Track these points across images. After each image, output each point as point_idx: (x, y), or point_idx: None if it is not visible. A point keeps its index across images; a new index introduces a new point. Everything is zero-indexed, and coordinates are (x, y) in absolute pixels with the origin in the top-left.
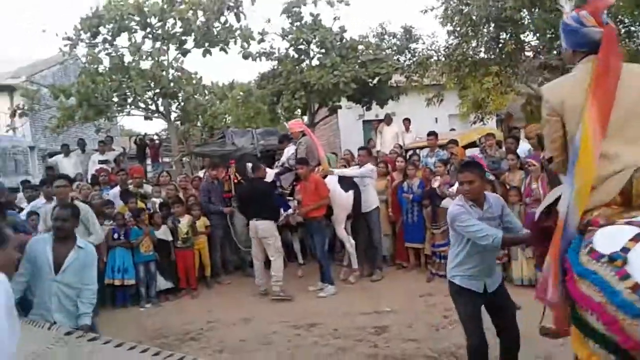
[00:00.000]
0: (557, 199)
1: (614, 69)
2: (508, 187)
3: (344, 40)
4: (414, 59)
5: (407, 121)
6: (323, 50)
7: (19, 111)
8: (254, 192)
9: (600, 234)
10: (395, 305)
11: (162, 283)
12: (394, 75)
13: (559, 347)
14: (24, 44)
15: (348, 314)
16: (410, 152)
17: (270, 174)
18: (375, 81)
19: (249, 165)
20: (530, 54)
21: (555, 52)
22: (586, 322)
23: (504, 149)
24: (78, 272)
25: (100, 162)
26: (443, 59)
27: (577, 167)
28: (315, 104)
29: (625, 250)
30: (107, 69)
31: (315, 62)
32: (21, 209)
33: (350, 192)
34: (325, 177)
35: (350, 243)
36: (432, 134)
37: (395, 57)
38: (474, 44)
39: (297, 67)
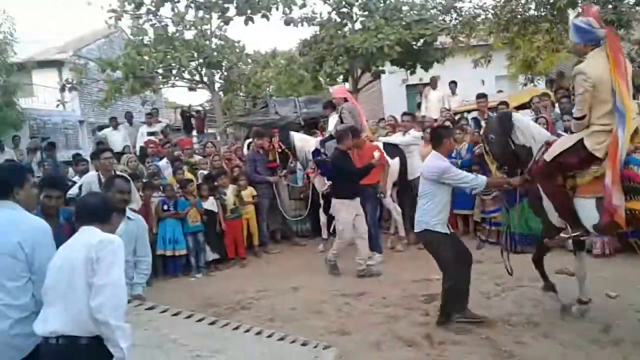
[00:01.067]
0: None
1: (620, 58)
2: None
3: (388, 2)
4: (460, 18)
5: (453, 84)
6: (366, 13)
7: (68, 86)
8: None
9: None
10: None
11: (209, 254)
12: (440, 37)
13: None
14: (69, 18)
15: (397, 282)
16: (457, 116)
17: (314, 142)
18: (420, 43)
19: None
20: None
21: (610, 6)
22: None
23: (557, 109)
24: (128, 244)
25: (149, 134)
26: (491, 17)
27: (626, 119)
28: (358, 69)
29: None
30: (151, 40)
31: (358, 25)
32: (73, 182)
33: (396, 160)
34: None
35: (397, 211)
36: (482, 97)
37: (440, 18)
38: (523, 0)
39: (339, 31)
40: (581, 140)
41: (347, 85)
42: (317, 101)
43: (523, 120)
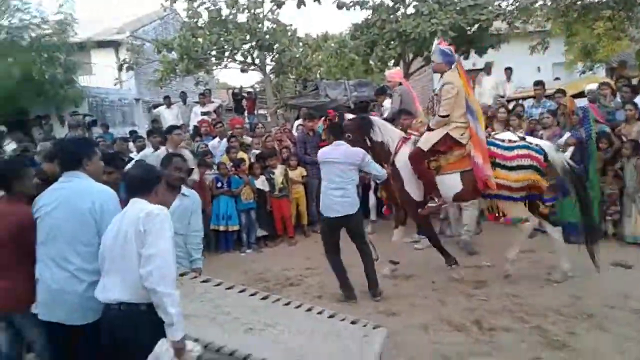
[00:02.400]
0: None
1: (467, 77)
2: (624, 139)
3: None
4: (517, 3)
5: (508, 70)
6: None
7: (125, 65)
8: None
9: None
10: (496, 260)
11: (258, 231)
12: (495, 22)
13: None
14: (126, 0)
15: (446, 267)
16: (512, 103)
17: None
18: (474, 29)
19: None
20: None
21: None
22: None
23: (618, 98)
24: (182, 219)
25: (202, 113)
26: (549, 3)
27: (477, 116)
28: (410, 53)
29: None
30: (205, 23)
31: (410, 10)
32: (131, 158)
33: None
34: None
35: None
36: (539, 84)
37: (496, 3)
38: None
39: (392, 15)
40: (447, 133)
41: (399, 70)
42: (367, 85)
43: (379, 121)
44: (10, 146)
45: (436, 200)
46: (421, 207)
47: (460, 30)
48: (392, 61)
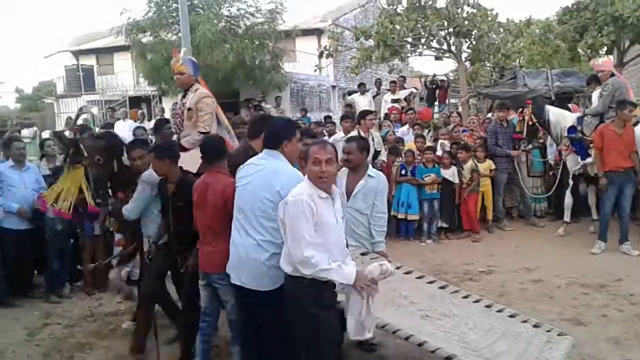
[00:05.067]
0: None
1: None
2: None
3: None
4: None
5: None
6: None
7: (325, 52)
8: None
9: None
10: None
11: (440, 222)
12: None
13: None
14: None
15: None
16: None
17: (571, 118)
18: None
19: None
20: None
21: None
22: None
23: None
24: (367, 198)
25: (393, 101)
26: None
27: (231, 129)
28: (627, 40)
29: None
30: (404, 9)
31: None
32: None
33: None
34: (636, 124)
35: None
36: None
37: None
38: None
39: None
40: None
41: (611, 58)
42: (573, 74)
43: None
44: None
45: None
46: None
47: None
48: (605, 48)
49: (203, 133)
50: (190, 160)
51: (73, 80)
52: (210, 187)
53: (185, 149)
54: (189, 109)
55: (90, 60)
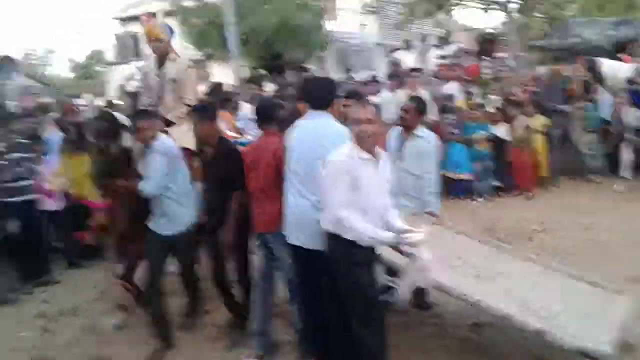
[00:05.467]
0: None
1: None
2: None
3: None
4: None
5: None
6: None
7: (368, 9)
8: None
9: None
10: None
11: (492, 181)
12: None
13: None
14: None
15: None
16: None
17: (627, 69)
18: None
19: None
20: None
21: None
22: None
23: None
24: (416, 159)
25: (440, 57)
26: None
27: None
28: None
29: None
30: None
31: None
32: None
33: None
34: None
35: None
36: None
37: None
38: None
39: None
40: None
41: None
42: (629, 23)
43: None
44: (269, 87)
45: None
46: None
47: None
48: None
49: (189, 105)
50: (183, 137)
51: (123, 48)
52: (263, 148)
53: (171, 124)
54: (174, 80)
55: (138, 27)
